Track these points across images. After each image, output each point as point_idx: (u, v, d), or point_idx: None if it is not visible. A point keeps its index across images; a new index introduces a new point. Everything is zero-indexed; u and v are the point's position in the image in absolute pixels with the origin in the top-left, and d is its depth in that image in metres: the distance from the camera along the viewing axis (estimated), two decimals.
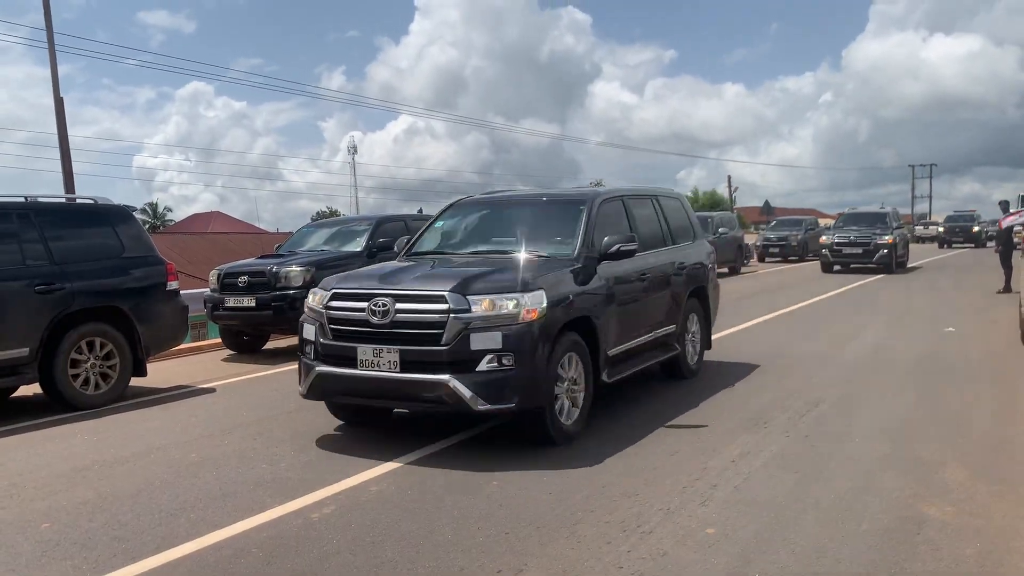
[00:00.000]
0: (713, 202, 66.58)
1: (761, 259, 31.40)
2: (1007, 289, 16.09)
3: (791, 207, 74.72)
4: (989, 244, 40.41)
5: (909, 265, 25.70)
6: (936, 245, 44.06)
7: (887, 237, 23.11)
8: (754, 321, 12.75)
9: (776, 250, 31.28)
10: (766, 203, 45.81)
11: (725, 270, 25.17)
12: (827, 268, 23.77)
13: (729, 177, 58.25)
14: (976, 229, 42.79)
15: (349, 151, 65.69)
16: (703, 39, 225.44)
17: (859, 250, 23.33)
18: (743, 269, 26.54)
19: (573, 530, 4.18)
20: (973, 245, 41.51)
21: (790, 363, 8.89)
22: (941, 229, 45.19)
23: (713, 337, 10.48)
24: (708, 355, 8.76)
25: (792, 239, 30.93)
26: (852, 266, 23.52)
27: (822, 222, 39.00)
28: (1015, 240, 17.87)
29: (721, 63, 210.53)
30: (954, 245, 42.38)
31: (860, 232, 23.56)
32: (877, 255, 22.98)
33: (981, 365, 8.65)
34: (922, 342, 10.28)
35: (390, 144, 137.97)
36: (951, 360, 8.97)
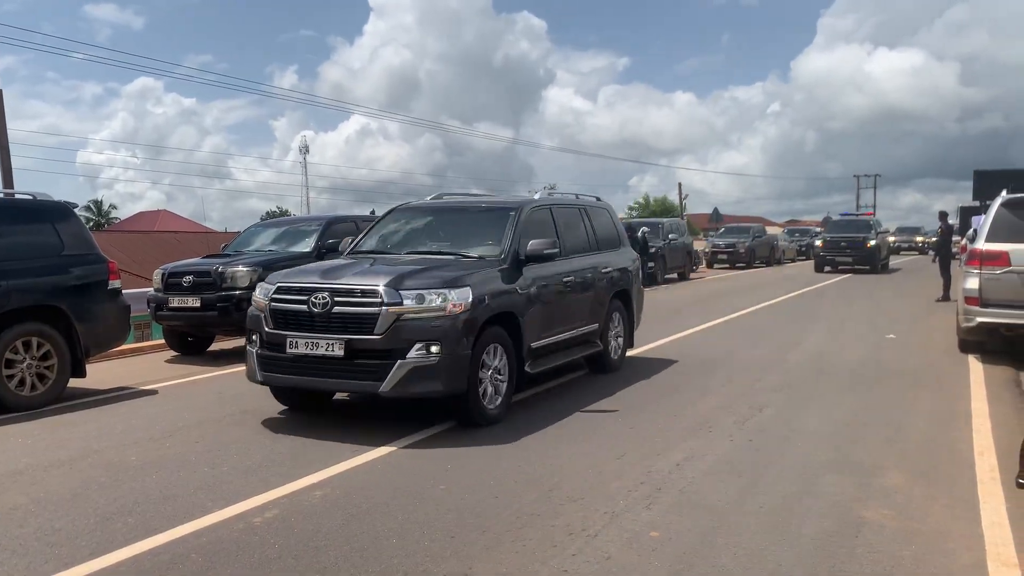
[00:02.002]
0: (664, 209, 67.23)
1: (710, 265, 31.91)
2: (945, 298, 16.56)
3: (740, 215, 76.02)
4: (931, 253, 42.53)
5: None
6: None
7: (872, 241, 27.36)
8: (702, 326, 12.91)
9: (724, 257, 31.83)
10: (715, 211, 46.50)
11: (675, 275, 25.52)
12: (819, 268, 27.98)
13: (680, 184, 58.79)
14: (920, 239, 47.33)
15: (300, 151, 65.05)
16: (656, 48, 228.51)
17: (849, 255, 27.43)
18: (692, 275, 26.88)
19: (519, 534, 4.18)
20: (917, 253, 44.77)
21: (736, 368, 9.01)
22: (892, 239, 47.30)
23: (661, 342, 10.57)
24: (652, 360, 8.84)
25: (740, 246, 31.48)
26: (840, 267, 27.58)
27: (769, 230, 39.73)
28: (953, 250, 18.42)
29: (673, 72, 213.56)
30: (902, 253, 44.92)
31: (849, 236, 27.81)
32: (864, 256, 27.23)
33: (920, 371, 8.87)
34: (864, 348, 10.51)
35: (342, 144, 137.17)
36: (891, 366, 9.18)
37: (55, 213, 8.17)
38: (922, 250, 45.05)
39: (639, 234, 22.74)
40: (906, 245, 47.00)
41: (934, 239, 45.90)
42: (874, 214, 40.68)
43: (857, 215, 32.04)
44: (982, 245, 9.08)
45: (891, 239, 46.57)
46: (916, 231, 51.50)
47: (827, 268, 27.63)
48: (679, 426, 6.40)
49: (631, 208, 75.17)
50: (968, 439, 6.03)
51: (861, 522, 4.32)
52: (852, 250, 27.16)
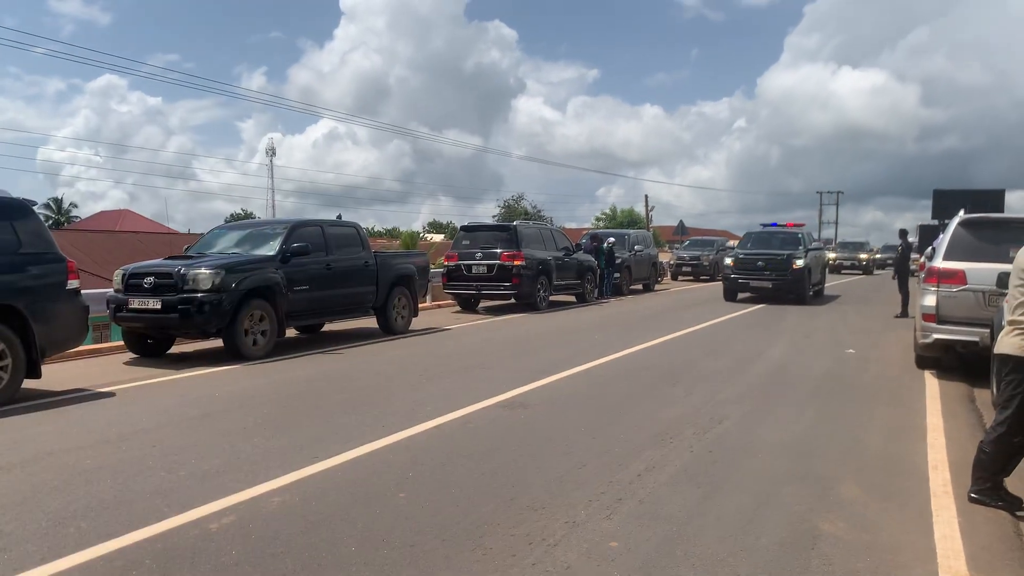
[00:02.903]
0: (631, 220, 67.70)
1: (674, 277, 32.19)
2: (904, 314, 16.85)
3: (704, 228, 76.61)
4: (878, 271, 41.88)
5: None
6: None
7: (799, 260, 20.02)
8: (665, 337, 13.00)
9: (688, 269, 32.11)
10: (680, 223, 46.79)
11: (640, 287, 25.69)
12: (730, 295, 20.82)
13: (647, 196, 59.45)
14: (864, 256, 42.22)
15: (267, 153, 64.60)
16: (626, 60, 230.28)
17: (850, 263, 25.65)
18: (657, 287, 27.07)
19: (479, 543, 4.17)
20: (861, 272, 40.85)
21: (698, 379, 9.09)
22: (832, 255, 44.08)
23: (624, 352, 10.66)
24: (616, 371, 8.87)
25: (704, 259, 31.78)
26: (756, 291, 20.72)
27: (732, 244, 40.17)
28: (912, 267, 18.76)
29: (642, 85, 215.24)
30: (843, 272, 41.10)
31: (770, 254, 20.57)
32: (788, 280, 20.06)
33: (877, 386, 9.02)
34: (823, 362, 10.66)
35: (310, 148, 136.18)
36: (850, 380, 9.32)
37: (13, 211, 8.02)
38: (867, 269, 41.30)
39: (605, 245, 22.90)
40: (848, 263, 41.59)
41: (881, 255, 45.49)
42: (805, 224, 26.14)
43: (783, 226, 22.92)
44: (939, 263, 9.26)
45: (831, 256, 41.35)
46: (860, 247, 44.74)
47: (741, 295, 20.86)
48: (640, 436, 6.44)
49: (598, 219, 75.66)
50: (923, 453, 6.13)
51: (817, 534, 4.38)
52: (772, 272, 20.10)
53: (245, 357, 10.30)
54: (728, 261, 21.26)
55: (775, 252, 20.48)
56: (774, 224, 23.16)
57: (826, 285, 24.02)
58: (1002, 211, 17.73)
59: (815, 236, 26.99)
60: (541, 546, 4.13)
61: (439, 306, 19.42)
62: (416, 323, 14.26)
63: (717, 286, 27.36)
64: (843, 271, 40.98)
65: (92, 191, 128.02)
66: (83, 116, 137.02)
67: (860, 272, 40.75)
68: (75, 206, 69.80)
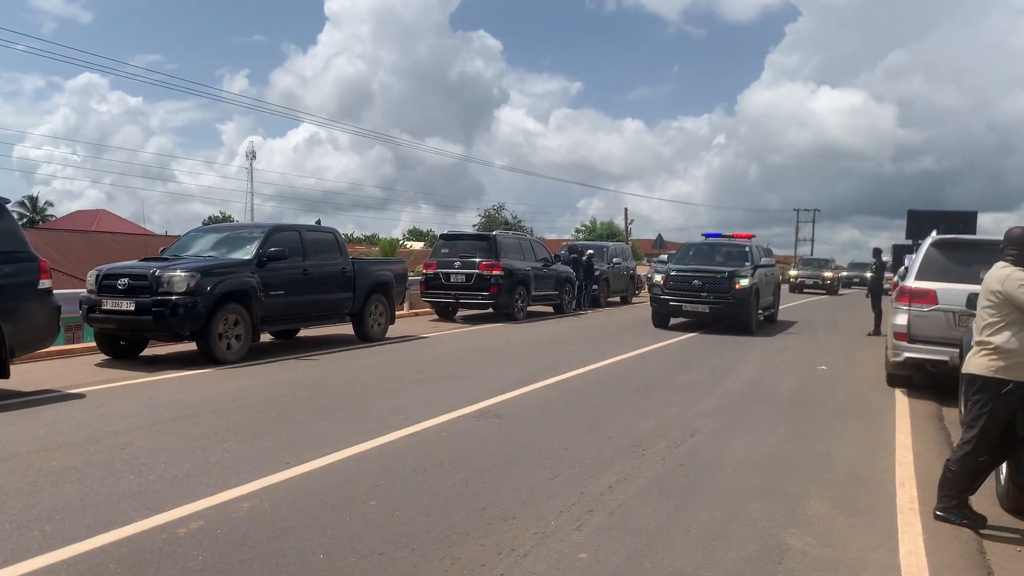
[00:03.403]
0: (610, 232, 68.05)
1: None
2: (876, 332, 17.04)
3: (683, 242, 76.76)
4: (844, 291, 40.53)
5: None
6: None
7: (744, 279, 16.43)
8: (640, 350, 13.06)
9: None
10: (659, 236, 46.98)
11: (617, 299, 25.78)
12: (660, 320, 17.35)
13: (626, 209, 59.74)
14: (828, 275, 39.33)
15: (247, 156, 64.08)
16: (609, 75, 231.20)
17: (813, 281, 24.20)
18: (634, 299, 27.19)
19: (448, 552, 4.16)
20: (825, 292, 38.14)
21: (671, 392, 9.14)
22: (793, 273, 40.78)
23: (599, 364, 10.70)
24: (590, 382, 8.89)
25: None
26: (690, 315, 17.15)
27: (663, 256, 40.28)
28: (885, 287, 18.98)
29: (624, 99, 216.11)
30: (805, 291, 38.21)
31: (708, 272, 16.79)
32: (728, 303, 16.40)
33: (848, 403, 9.11)
34: (796, 378, 10.75)
35: (290, 152, 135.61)
36: (822, 397, 9.41)
37: None
38: (831, 288, 38.19)
39: (584, 257, 22.97)
40: (811, 282, 38.06)
41: (848, 272, 45.51)
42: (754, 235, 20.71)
43: (729, 237, 19.33)
44: (912, 283, 9.38)
45: (792, 274, 40.24)
46: (825, 264, 41.57)
47: (674, 319, 17.44)
48: (613, 448, 6.46)
49: (578, 230, 76.03)
50: (891, 470, 6.20)
51: (785, 549, 4.41)
52: (711, 293, 16.37)
53: (219, 361, 10.23)
54: (658, 279, 17.28)
55: (715, 269, 16.65)
56: (717, 235, 19.46)
57: (783, 307, 21.63)
58: (974, 233, 17.97)
59: (767, 249, 22.96)
60: (510, 556, 4.13)
61: (416, 314, 19.39)
62: (393, 330, 14.23)
63: None
64: (805, 290, 38.18)
65: (69, 190, 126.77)
66: (62, 114, 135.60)
67: (824, 292, 38.08)
68: (51, 205, 69.07)
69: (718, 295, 16.35)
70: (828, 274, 39.46)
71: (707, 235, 20.00)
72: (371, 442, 6.33)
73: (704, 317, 16.72)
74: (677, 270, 17.03)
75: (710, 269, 16.76)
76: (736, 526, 4.75)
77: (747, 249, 17.97)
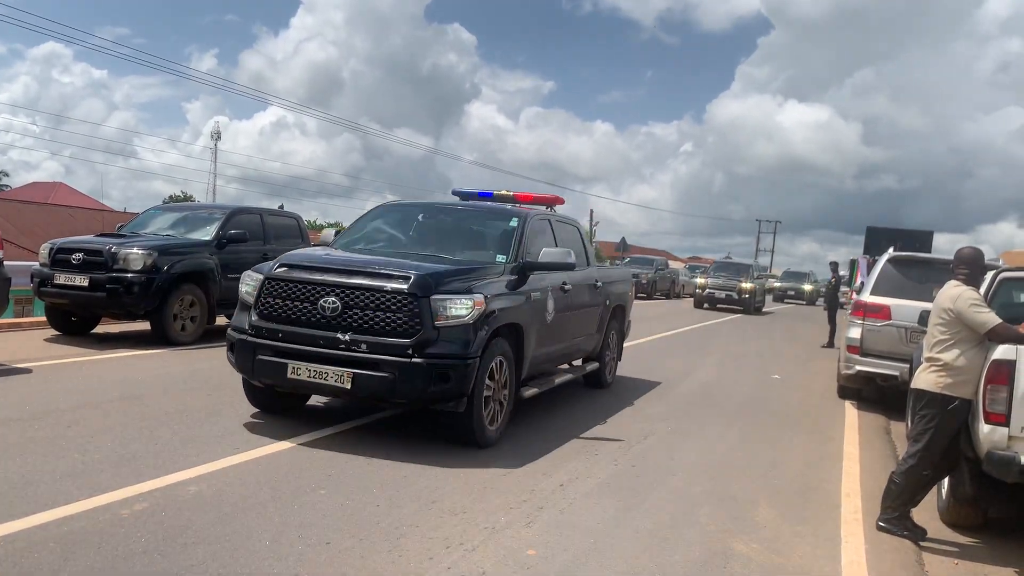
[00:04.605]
0: None
1: None
2: (830, 344, 17.32)
3: (646, 246, 77.28)
4: (818, 303, 42.25)
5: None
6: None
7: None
8: None
9: None
10: (623, 240, 47.14)
11: None
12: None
13: (592, 211, 59.87)
14: (808, 287, 44.10)
15: (212, 136, 63.18)
16: (582, 76, 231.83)
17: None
18: None
19: (396, 544, 4.14)
20: (804, 302, 42.38)
21: (626, 395, 9.19)
22: (776, 283, 45.60)
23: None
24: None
25: (643, 277, 32.04)
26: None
27: (672, 264, 40.72)
28: (841, 300, 19.30)
29: (595, 101, 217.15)
30: (786, 301, 42.81)
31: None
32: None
33: (799, 412, 9.24)
34: (749, 386, 10.88)
35: (256, 135, 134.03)
36: (773, 405, 9.53)
37: None
38: (746, 307, 28.75)
39: None
40: (723, 295, 29.29)
41: (779, 285, 45.86)
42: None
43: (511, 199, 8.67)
44: (867, 297, 9.54)
45: (774, 284, 44.14)
46: (804, 277, 46.59)
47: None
48: (566, 447, 6.48)
49: None
50: (837, 480, 6.31)
51: (730, 553, 4.46)
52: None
53: (172, 342, 10.07)
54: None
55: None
56: (487, 194, 8.86)
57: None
58: (930, 252, 18.34)
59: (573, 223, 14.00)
60: (458, 550, 4.12)
61: None
62: None
63: (654, 304, 27.82)
64: (786, 300, 43.06)
65: (26, 160, 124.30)
66: (22, 83, 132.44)
67: (803, 302, 42.53)
68: (6, 175, 67.71)
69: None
70: (808, 287, 43.52)
71: (457, 192, 9.35)
72: (324, 431, 6.27)
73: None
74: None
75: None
76: (684, 529, 4.79)
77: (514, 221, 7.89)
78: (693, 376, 11.33)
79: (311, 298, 5.87)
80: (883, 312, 9.35)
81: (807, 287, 44.42)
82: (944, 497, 5.53)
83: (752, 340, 17.98)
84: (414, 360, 5.61)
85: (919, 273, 9.46)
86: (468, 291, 5.92)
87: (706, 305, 28.77)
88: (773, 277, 47.60)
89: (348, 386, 5.69)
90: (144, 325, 10.64)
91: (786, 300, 43.34)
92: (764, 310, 32.04)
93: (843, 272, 20.52)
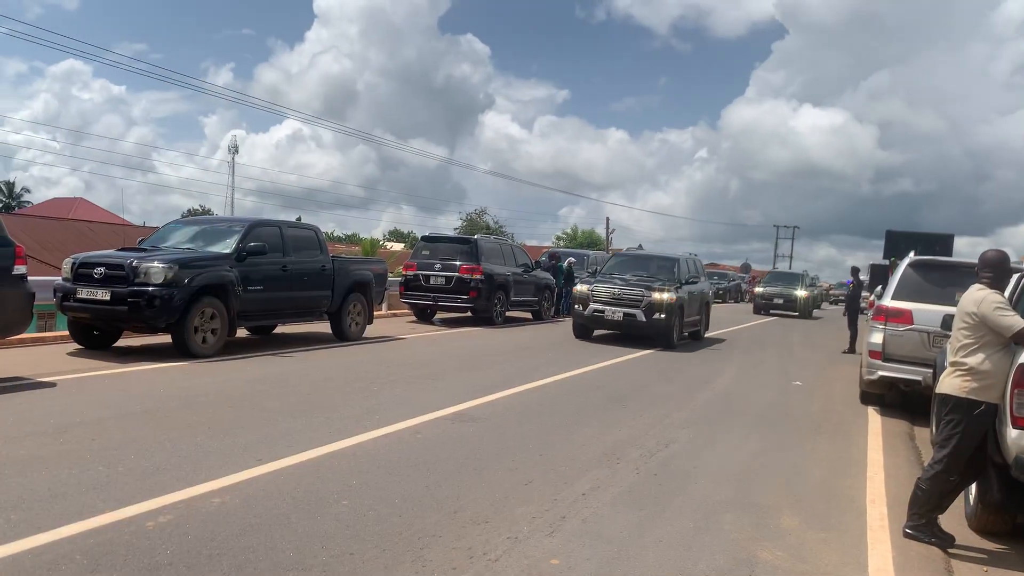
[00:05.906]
0: (591, 241, 68.14)
1: None
2: (851, 350, 17.19)
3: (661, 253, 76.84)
4: (815, 314, 36.59)
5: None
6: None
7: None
8: (617, 359, 13.08)
9: None
10: (639, 247, 47.18)
11: None
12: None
13: (608, 219, 60.00)
14: (801, 294, 31.78)
15: (230, 150, 63.77)
16: (595, 84, 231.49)
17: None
18: None
19: (419, 555, 4.14)
20: (798, 315, 31.16)
21: (646, 402, 9.15)
22: (759, 289, 33.59)
23: (576, 372, 10.70)
24: (567, 389, 8.90)
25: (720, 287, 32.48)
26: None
27: None
28: (862, 305, 19.16)
29: (609, 109, 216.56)
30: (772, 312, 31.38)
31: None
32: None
33: (821, 418, 9.17)
34: (771, 392, 10.81)
35: (273, 148, 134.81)
36: (796, 412, 9.46)
37: None
38: (803, 310, 30.27)
39: (564, 264, 23.00)
40: (780, 301, 30.57)
41: (760, 291, 38.76)
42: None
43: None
44: (888, 302, 9.47)
45: (759, 291, 32.03)
46: (796, 279, 33.31)
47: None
48: (588, 456, 6.46)
49: (559, 238, 75.99)
50: (862, 487, 6.25)
51: (755, 561, 4.43)
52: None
53: (193, 355, 10.14)
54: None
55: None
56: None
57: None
58: (950, 255, 18.17)
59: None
60: (482, 560, 4.11)
61: (395, 315, 19.32)
62: (371, 331, 14.16)
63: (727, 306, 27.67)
64: (771, 311, 31.42)
65: (47, 177, 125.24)
66: (42, 100, 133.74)
67: (796, 314, 31.11)
68: (28, 191, 68.30)
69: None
70: (801, 293, 31.61)
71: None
72: (345, 441, 6.29)
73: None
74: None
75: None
76: (708, 537, 4.76)
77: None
78: (714, 382, 11.26)
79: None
80: (905, 316, 9.28)
81: (799, 293, 31.77)
82: (972, 503, 5.46)
83: (770, 348, 17.86)
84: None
85: (940, 277, 9.38)
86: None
87: (762, 312, 30.75)
88: (822, 285, 44.03)
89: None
90: (165, 338, 10.72)
91: (771, 311, 31.46)
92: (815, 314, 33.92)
93: (864, 277, 20.38)
